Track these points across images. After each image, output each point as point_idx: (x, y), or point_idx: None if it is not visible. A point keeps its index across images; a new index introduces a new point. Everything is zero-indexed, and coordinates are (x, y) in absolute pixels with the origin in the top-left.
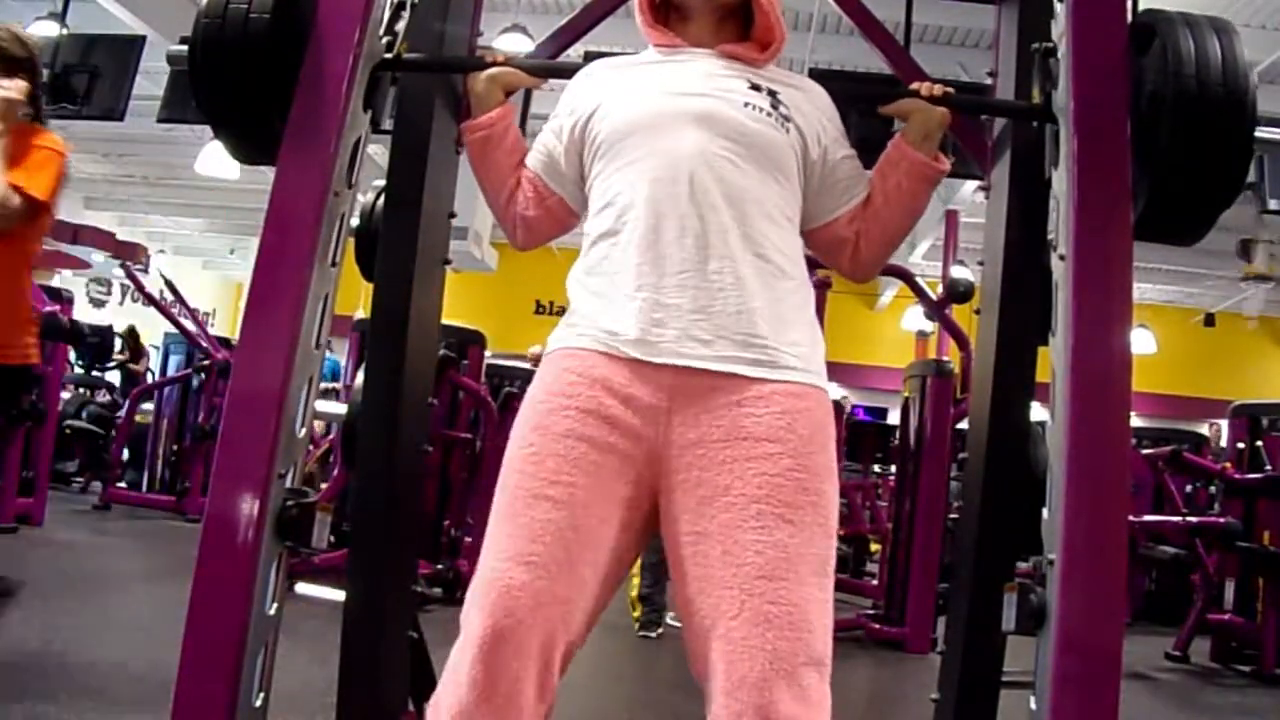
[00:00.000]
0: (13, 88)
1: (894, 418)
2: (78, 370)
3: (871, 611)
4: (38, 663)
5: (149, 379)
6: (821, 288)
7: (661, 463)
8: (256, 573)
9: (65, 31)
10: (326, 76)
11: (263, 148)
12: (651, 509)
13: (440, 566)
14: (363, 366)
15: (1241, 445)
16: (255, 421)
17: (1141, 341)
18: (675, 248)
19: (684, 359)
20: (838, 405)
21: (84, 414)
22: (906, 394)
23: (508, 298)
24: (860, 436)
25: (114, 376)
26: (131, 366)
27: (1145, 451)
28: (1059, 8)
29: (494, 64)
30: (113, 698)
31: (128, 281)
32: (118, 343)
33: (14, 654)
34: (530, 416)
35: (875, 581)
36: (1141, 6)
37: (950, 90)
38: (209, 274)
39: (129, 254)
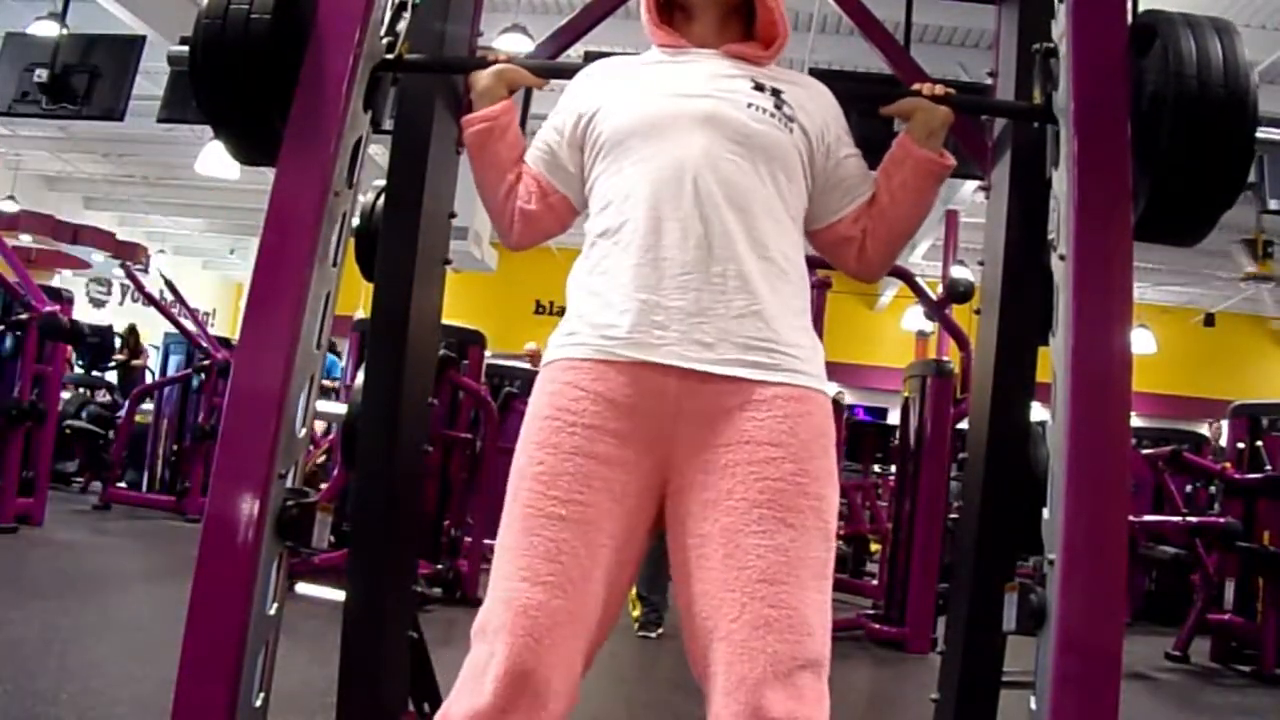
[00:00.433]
0: None
1: (894, 418)
2: (78, 370)
3: (871, 611)
4: (38, 663)
5: (149, 378)
6: (821, 288)
7: (668, 468)
8: (256, 573)
9: (65, 31)
10: (327, 76)
11: (263, 148)
12: (658, 512)
13: (440, 566)
14: (363, 366)
15: (1241, 445)
16: (255, 421)
17: (1141, 341)
18: (677, 250)
19: (686, 361)
20: (835, 402)
21: (84, 414)
22: (906, 394)
23: (508, 298)
24: (860, 436)
25: (114, 376)
26: (133, 363)
27: (1145, 451)
28: (1059, 8)
29: (495, 64)
30: (113, 698)
31: (128, 281)
32: (117, 342)
33: (14, 654)
34: (537, 433)
35: (875, 581)
36: (1142, 7)
37: (951, 90)
38: (209, 274)
39: (129, 254)
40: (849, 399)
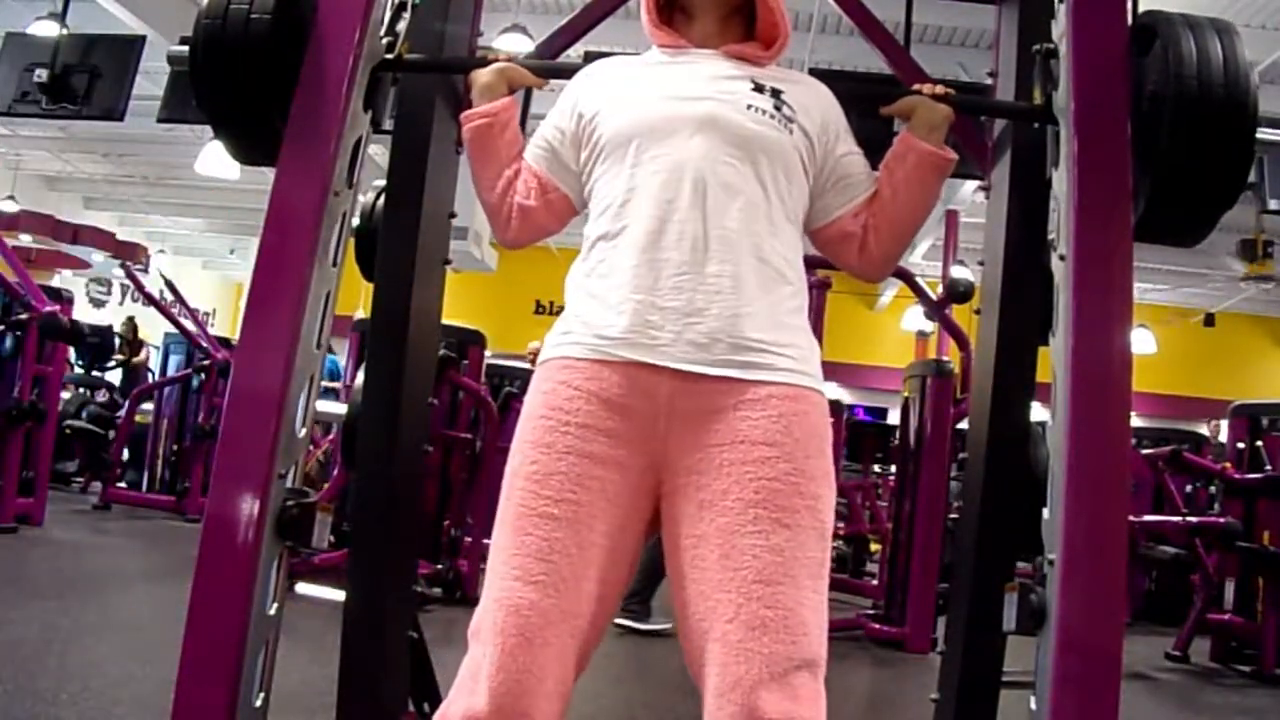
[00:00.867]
0: None
1: (894, 418)
2: (78, 370)
3: (871, 611)
4: (38, 663)
5: (149, 377)
6: (821, 288)
7: (662, 469)
8: (256, 573)
9: (65, 31)
10: (327, 76)
11: (263, 148)
12: (653, 513)
13: (440, 566)
14: (363, 366)
15: (1241, 445)
16: (255, 421)
17: (1141, 341)
18: (674, 251)
19: (681, 362)
20: (836, 404)
21: (84, 414)
22: (906, 394)
23: (508, 298)
24: (860, 436)
25: (114, 376)
26: (133, 361)
27: (1145, 451)
28: (1059, 8)
29: (495, 63)
30: (113, 698)
31: (128, 281)
32: (117, 341)
33: (14, 654)
34: (531, 432)
35: (875, 581)
36: (1142, 7)
37: (950, 90)
38: (209, 274)
39: (129, 254)
40: (849, 399)
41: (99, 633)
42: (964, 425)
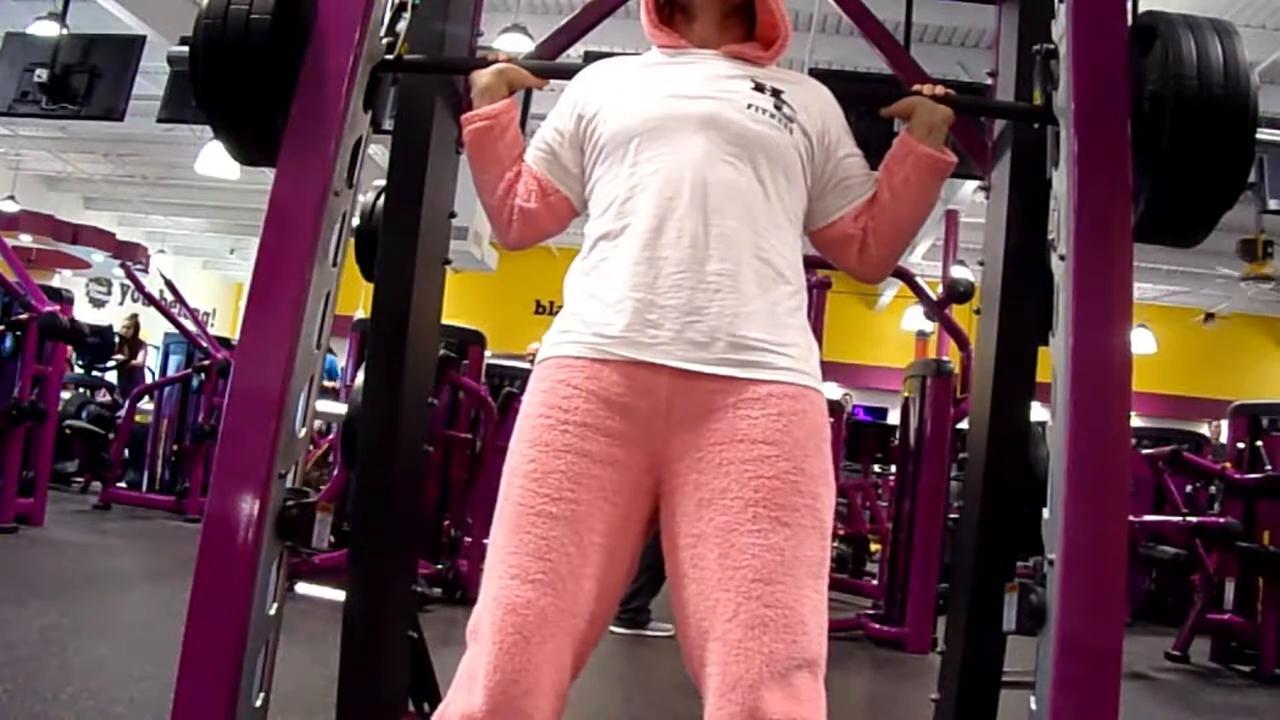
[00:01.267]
0: None
1: (894, 418)
2: (78, 370)
3: (871, 611)
4: (38, 663)
5: (149, 378)
6: (821, 288)
7: (661, 468)
8: (256, 573)
9: (65, 31)
10: (327, 77)
11: (263, 148)
12: (652, 512)
13: (440, 566)
14: (363, 366)
15: (1241, 445)
16: (255, 421)
17: (1141, 341)
18: (673, 249)
19: (680, 361)
20: (838, 404)
21: (84, 414)
22: (906, 394)
23: (508, 298)
24: (860, 436)
25: (109, 376)
26: (133, 362)
27: (1145, 451)
28: (1059, 8)
29: (495, 64)
30: (112, 697)
31: (128, 281)
32: (117, 341)
33: (14, 654)
34: (529, 431)
35: (875, 581)
36: (1142, 7)
37: (950, 91)
38: (209, 274)
39: (129, 254)
40: (850, 397)
41: (99, 633)
42: (964, 425)
